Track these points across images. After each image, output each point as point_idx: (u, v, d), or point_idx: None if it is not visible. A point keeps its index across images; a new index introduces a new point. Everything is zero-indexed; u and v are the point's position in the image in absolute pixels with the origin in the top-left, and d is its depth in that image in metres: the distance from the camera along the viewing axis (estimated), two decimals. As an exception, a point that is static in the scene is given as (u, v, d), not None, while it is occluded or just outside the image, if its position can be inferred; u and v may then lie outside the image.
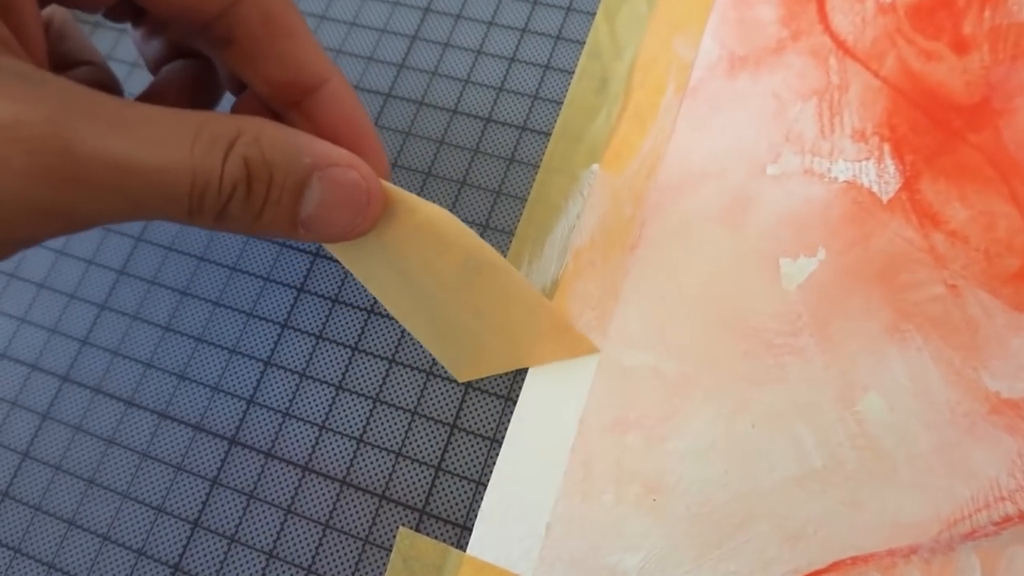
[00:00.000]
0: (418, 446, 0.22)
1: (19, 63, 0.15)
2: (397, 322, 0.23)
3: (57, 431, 0.23)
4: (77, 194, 0.15)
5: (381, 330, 0.23)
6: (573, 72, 0.26)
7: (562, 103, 0.26)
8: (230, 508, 0.22)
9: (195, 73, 0.22)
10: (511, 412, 0.22)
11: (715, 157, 0.24)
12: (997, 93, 0.23)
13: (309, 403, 0.23)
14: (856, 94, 0.24)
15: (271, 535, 0.22)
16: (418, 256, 0.20)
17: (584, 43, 0.26)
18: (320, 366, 0.23)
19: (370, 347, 0.23)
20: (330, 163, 0.18)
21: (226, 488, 0.22)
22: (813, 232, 0.23)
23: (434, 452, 0.22)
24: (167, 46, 0.22)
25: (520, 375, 0.22)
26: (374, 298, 0.24)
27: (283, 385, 0.23)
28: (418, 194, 0.24)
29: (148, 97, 0.21)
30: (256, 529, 0.22)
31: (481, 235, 0.24)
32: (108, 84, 0.22)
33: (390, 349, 0.23)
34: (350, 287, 0.24)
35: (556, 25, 0.27)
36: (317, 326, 0.24)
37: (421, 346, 0.23)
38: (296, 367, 0.23)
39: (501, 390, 0.22)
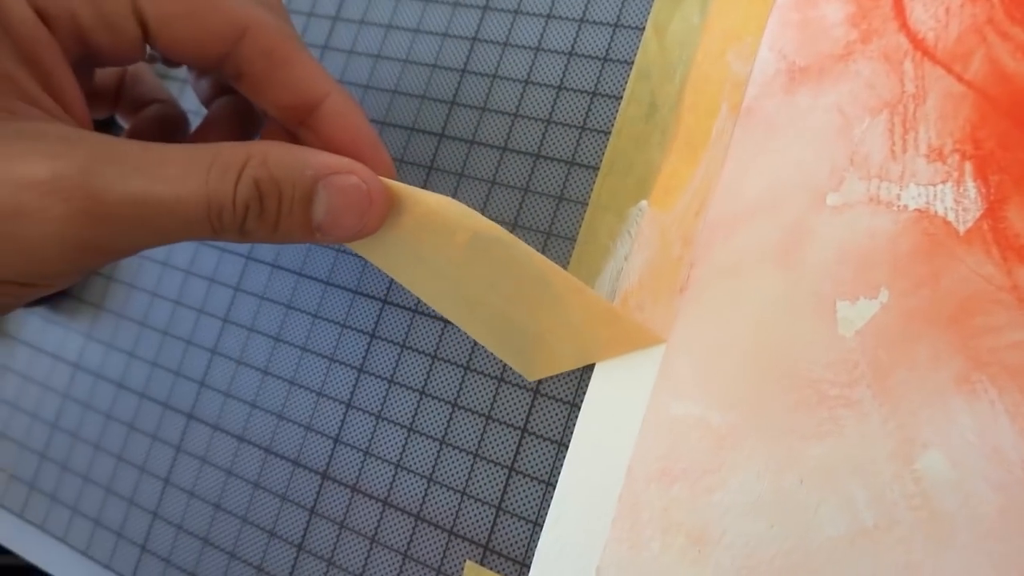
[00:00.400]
0: (481, 486, 0.24)
1: (60, 127, 0.19)
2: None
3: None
4: (108, 230, 0.18)
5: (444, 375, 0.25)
6: (621, 97, 0.25)
7: (610, 133, 0.25)
8: (327, 533, 0.25)
9: (238, 105, 0.25)
10: (564, 456, 0.23)
11: (770, 187, 0.23)
12: (1112, 92, 0.20)
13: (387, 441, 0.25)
14: (935, 104, 0.21)
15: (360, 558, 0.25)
16: (431, 242, 0.22)
17: (632, 64, 0.25)
18: (394, 408, 0.26)
19: (434, 391, 0.25)
20: (330, 171, 0.20)
21: (321, 517, 0.26)
22: (876, 271, 0.21)
23: (495, 492, 0.24)
24: (213, 84, 0.25)
25: (573, 414, 0.23)
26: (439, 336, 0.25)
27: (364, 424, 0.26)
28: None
29: (202, 128, 0.24)
30: (348, 554, 0.25)
31: (532, 280, 0.25)
32: (176, 117, 0.26)
33: (452, 393, 0.25)
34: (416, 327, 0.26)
35: (603, 45, 0.26)
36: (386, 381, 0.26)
37: (475, 388, 0.25)
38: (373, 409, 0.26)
39: (554, 434, 0.23)
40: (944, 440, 0.20)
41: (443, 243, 0.22)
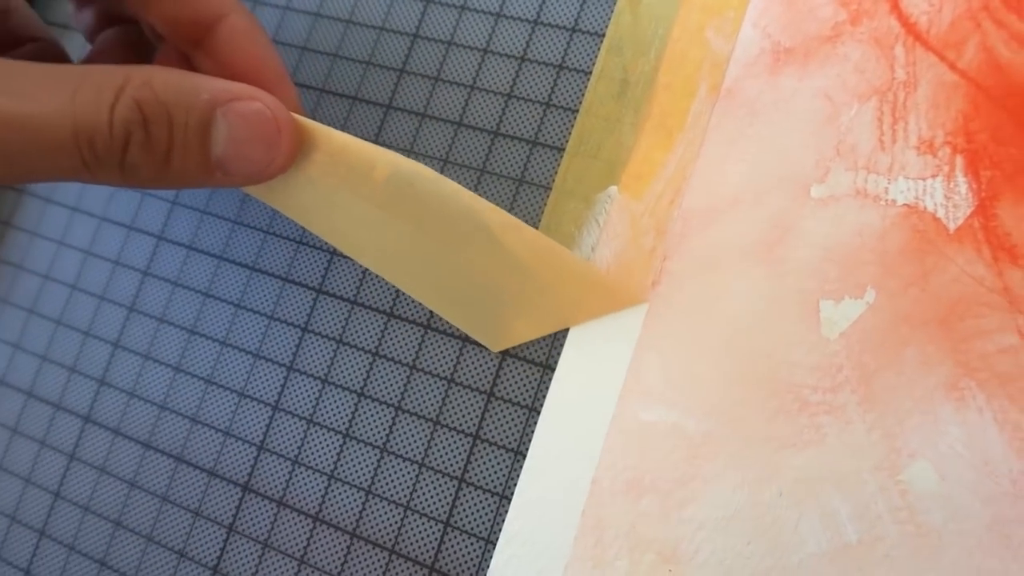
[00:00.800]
0: (427, 499, 0.21)
1: None
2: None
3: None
4: None
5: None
6: (590, 73, 0.23)
7: (577, 111, 0.23)
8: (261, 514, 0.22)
9: (126, 37, 0.22)
10: (520, 465, 0.21)
11: (751, 175, 0.21)
12: (1106, 88, 0.19)
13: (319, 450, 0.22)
14: (926, 93, 0.20)
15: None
16: (347, 181, 0.20)
17: (603, 36, 0.23)
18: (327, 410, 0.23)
19: (375, 392, 0.22)
20: (231, 97, 0.17)
21: (257, 494, 0.22)
22: (862, 269, 0.20)
23: (443, 507, 0.21)
24: (98, 15, 0.22)
25: (532, 420, 0.21)
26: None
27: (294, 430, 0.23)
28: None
29: (84, 63, 0.21)
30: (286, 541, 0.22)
31: (489, 269, 0.22)
32: (56, 57, 0.23)
33: (396, 395, 0.22)
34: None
35: (572, 15, 0.23)
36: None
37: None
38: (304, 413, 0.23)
39: (510, 441, 0.21)
40: (932, 450, 0.18)
41: (360, 181, 0.19)
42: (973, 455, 0.18)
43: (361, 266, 0.23)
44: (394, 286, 0.23)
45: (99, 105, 0.16)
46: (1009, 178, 0.19)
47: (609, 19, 0.23)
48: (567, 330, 0.21)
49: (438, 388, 0.22)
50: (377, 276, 0.23)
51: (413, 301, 0.23)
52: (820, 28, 0.21)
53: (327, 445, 0.22)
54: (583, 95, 0.23)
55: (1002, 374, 0.18)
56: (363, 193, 0.20)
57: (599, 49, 0.23)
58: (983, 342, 0.19)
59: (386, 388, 0.22)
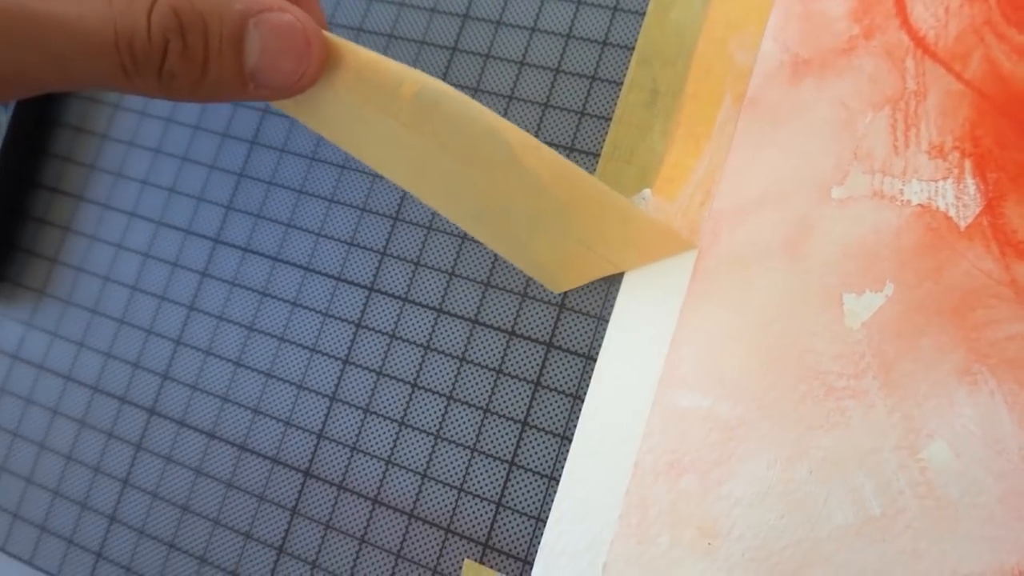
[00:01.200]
0: (479, 481, 0.23)
1: None
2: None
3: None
4: None
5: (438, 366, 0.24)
6: (621, 83, 0.25)
7: (610, 119, 0.24)
8: (310, 532, 0.24)
9: None
10: (567, 450, 0.22)
11: (776, 178, 0.23)
12: (1101, 96, 0.21)
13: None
14: (935, 102, 0.22)
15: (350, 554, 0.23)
16: (375, 97, 0.20)
17: (633, 49, 0.25)
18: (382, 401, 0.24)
19: (428, 383, 0.24)
20: (262, 8, 0.18)
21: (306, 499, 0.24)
22: (881, 264, 0.21)
23: (495, 487, 0.23)
24: None
25: (576, 407, 0.23)
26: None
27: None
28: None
29: None
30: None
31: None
32: None
33: (448, 385, 0.24)
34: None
35: (603, 28, 0.25)
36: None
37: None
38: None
39: (557, 427, 0.23)
40: (948, 430, 0.20)
41: (387, 98, 0.20)
42: (985, 434, 0.20)
43: (410, 264, 0.25)
44: (441, 284, 0.24)
45: (135, 10, 0.16)
46: (1013, 179, 0.21)
47: (638, 33, 0.25)
48: (610, 317, 0.23)
49: (487, 379, 0.24)
50: (426, 278, 0.25)
51: (461, 298, 0.24)
52: (836, 41, 0.23)
53: (384, 432, 0.24)
54: (615, 104, 0.24)
55: (1011, 359, 0.20)
56: (390, 110, 0.20)
57: (629, 61, 0.25)
58: (993, 331, 0.20)
59: (439, 379, 0.24)
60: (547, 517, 0.22)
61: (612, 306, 0.23)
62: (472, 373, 0.24)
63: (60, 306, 0.28)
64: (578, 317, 0.23)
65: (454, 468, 0.23)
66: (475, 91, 0.26)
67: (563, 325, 0.23)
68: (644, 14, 0.25)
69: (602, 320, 0.23)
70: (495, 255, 0.24)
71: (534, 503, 0.22)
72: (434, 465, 0.23)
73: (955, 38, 0.22)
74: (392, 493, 0.23)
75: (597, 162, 0.24)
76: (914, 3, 0.23)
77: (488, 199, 0.22)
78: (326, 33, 0.19)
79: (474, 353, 0.24)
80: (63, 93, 0.29)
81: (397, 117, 0.20)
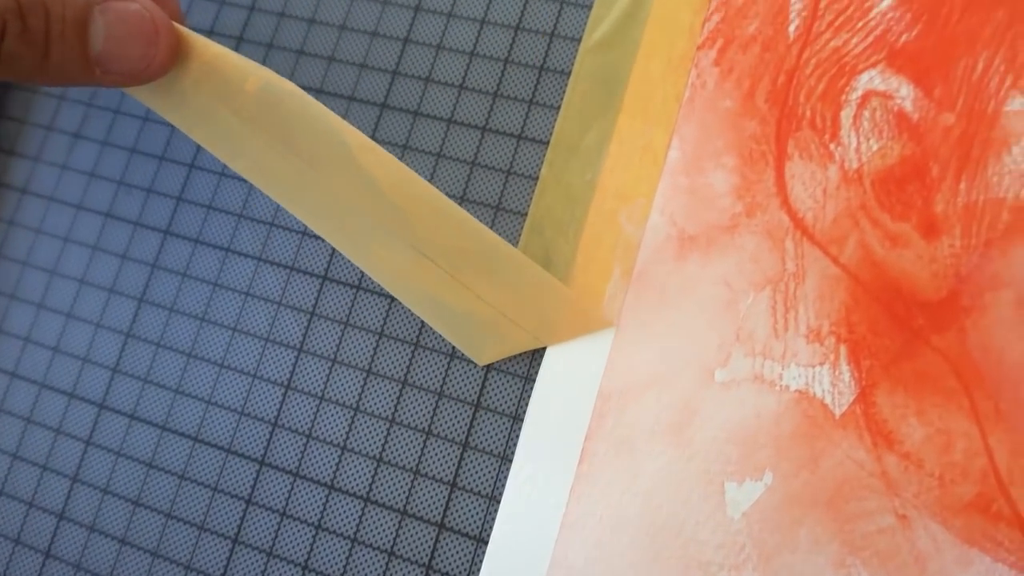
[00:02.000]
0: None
1: None
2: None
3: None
4: None
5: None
6: (525, 214, 0.24)
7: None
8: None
9: None
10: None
11: (662, 358, 0.23)
12: (966, 287, 0.22)
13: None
14: (813, 285, 0.22)
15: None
16: (222, 92, 0.21)
17: (526, 215, 0.25)
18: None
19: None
20: None
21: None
22: (761, 452, 0.22)
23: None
24: None
25: (479, 550, 0.23)
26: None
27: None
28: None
29: None
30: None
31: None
32: None
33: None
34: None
35: (496, 195, 0.25)
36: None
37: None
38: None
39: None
40: (823, 624, 0.21)
41: (232, 92, 0.21)
42: (858, 626, 0.20)
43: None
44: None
45: None
46: (885, 368, 0.22)
47: (531, 199, 0.25)
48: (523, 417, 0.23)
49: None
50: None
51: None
52: (720, 218, 0.23)
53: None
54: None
55: (882, 552, 0.21)
56: (234, 105, 0.21)
57: (522, 227, 0.25)
58: (865, 523, 0.21)
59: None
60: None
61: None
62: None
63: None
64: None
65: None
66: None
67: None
68: (541, 166, 0.25)
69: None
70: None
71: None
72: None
73: (832, 221, 0.23)
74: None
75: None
76: (794, 183, 0.23)
77: (331, 199, 0.22)
78: (177, 25, 0.20)
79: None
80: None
81: (239, 112, 0.21)
